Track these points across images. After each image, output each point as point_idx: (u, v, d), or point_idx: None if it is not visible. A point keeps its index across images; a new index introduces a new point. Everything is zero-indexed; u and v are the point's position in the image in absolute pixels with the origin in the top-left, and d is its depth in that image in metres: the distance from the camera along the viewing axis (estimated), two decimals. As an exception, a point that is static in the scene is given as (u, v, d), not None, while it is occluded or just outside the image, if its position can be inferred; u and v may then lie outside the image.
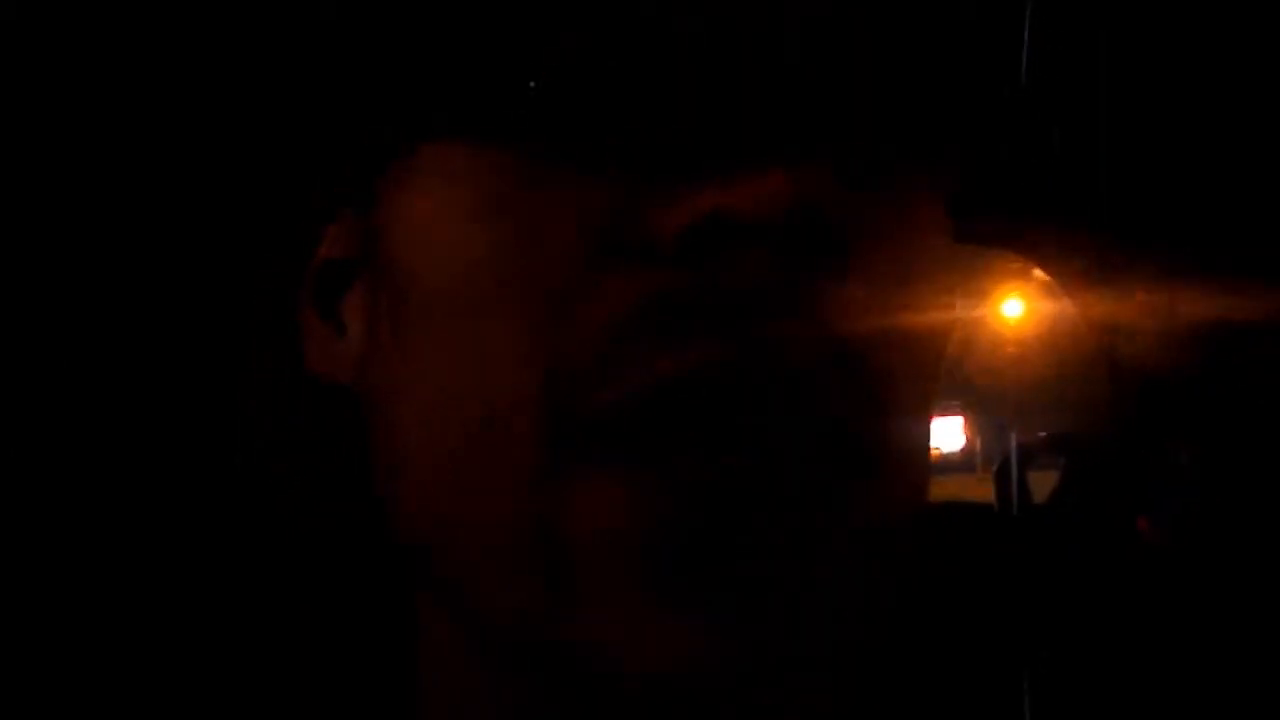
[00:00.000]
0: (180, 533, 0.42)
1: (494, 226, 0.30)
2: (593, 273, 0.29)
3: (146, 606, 0.42)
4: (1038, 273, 0.73)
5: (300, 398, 0.38)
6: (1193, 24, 0.58)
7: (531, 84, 0.30)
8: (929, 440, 0.36)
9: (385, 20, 0.34)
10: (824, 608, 0.31)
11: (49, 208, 0.43)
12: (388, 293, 0.33)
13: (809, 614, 0.30)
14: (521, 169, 0.30)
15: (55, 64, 0.42)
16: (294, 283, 0.38)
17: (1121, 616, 0.56)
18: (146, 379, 0.43)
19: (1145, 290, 0.62)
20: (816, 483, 0.30)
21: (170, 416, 0.43)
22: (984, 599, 0.53)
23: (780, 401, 0.29)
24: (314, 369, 0.37)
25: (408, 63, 0.34)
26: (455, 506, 0.31)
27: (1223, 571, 0.60)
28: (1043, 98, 0.61)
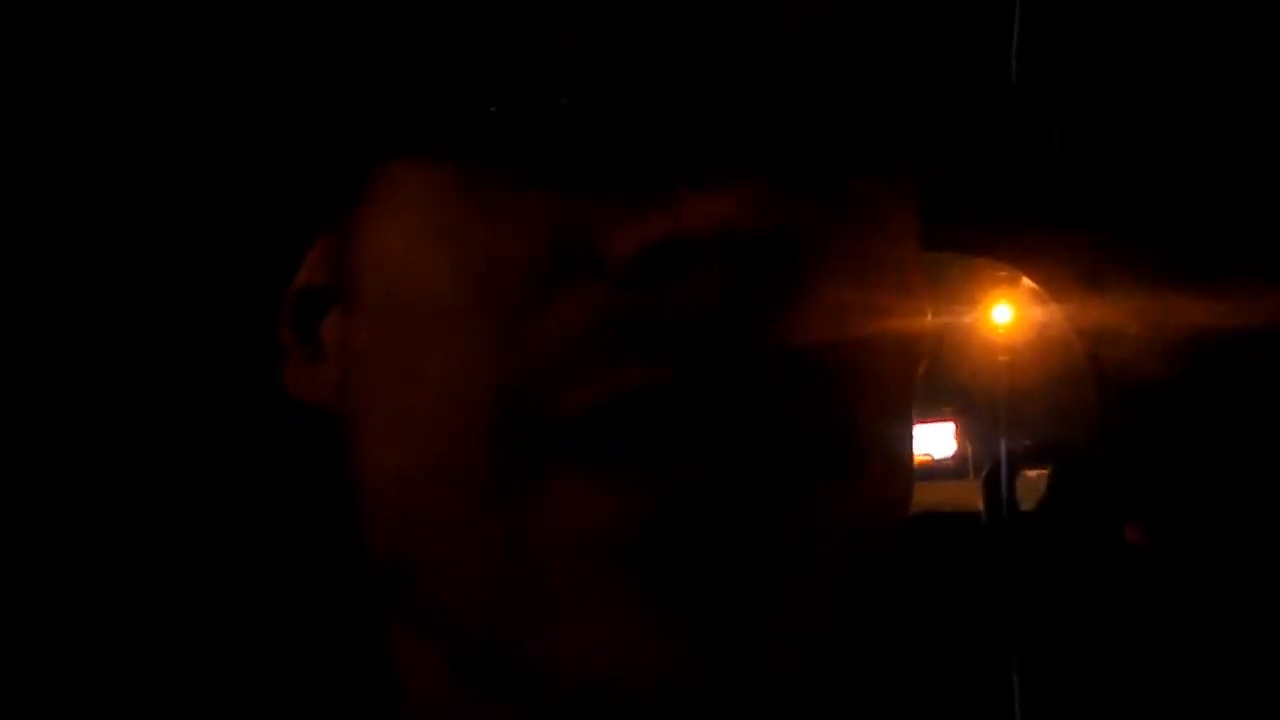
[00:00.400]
0: (160, 557, 0.43)
1: (452, 248, 0.31)
2: (546, 291, 0.30)
3: (128, 630, 0.42)
4: (1027, 280, 0.73)
5: (281, 422, 0.38)
6: (1184, 36, 0.58)
7: (490, 109, 0.31)
8: (910, 447, 0.36)
9: (349, 51, 0.35)
10: (797, 620, 0.31)
11: (25, 238, 0.43)
12: (357, 316, 0.34)
13: (781, 626, 0.30)
14: (478, 193, 0.31)
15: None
16: (273, 308, 0.38)
17: (1108, 620, 0.56)
18: (127, 404, 0.43)
19: (1131, 297, 0.63)
20: (785, 494, 0.30)
21: (151, 443, 0.43)
22: (971, 606, 0.53)
23: (740, 415, 0.30)
24: (293, 393, 0.38)
25: (371, 89, 0.34)
26: (421, 526, 0.32)
27: (1208, 576, 0.60)
28: (1031, 107, 0.61)
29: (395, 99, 0.34)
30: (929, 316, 0.37)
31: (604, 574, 0.29)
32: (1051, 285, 0.67)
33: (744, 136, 0.30)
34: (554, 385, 0.30)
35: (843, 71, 0.33)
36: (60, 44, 0.43)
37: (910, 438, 0.36)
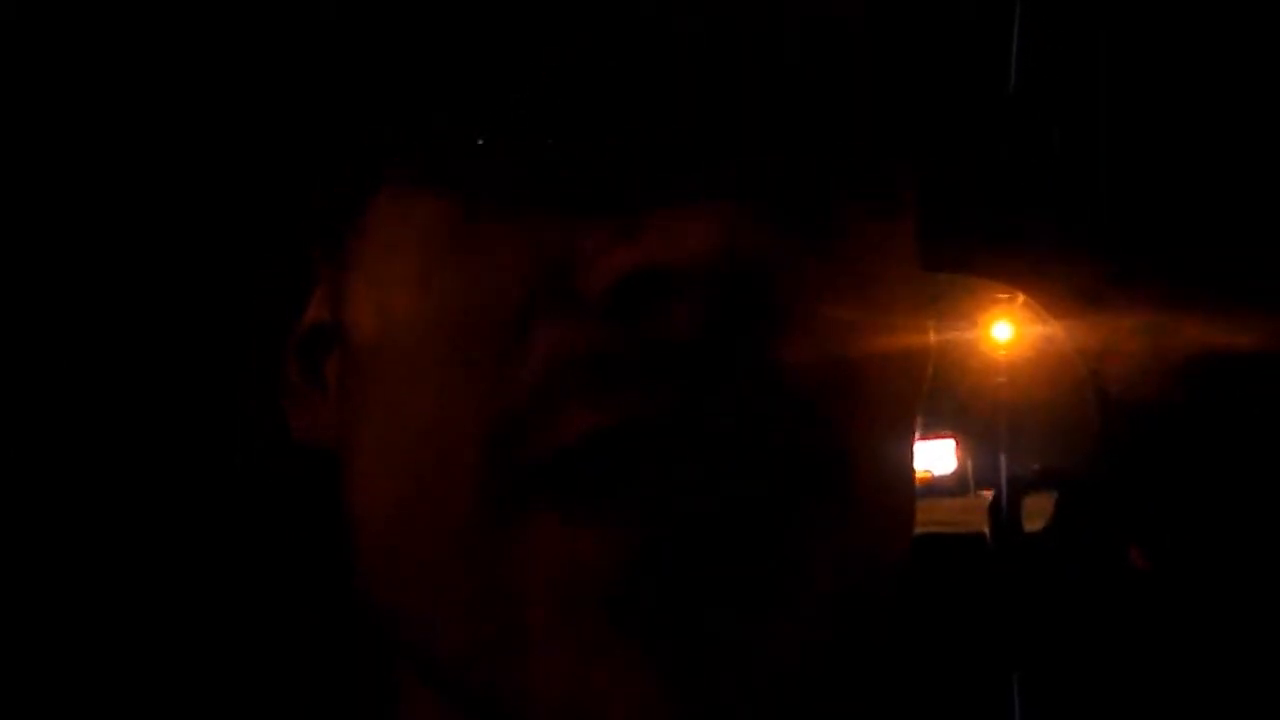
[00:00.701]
0: (164, 590, 0.42)
1: (435, 286, 0.31)
2: (528, 327, 0.30)
3: (133, 663, 0.42)
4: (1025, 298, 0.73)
5: (284, 461, 0.38)
6: (1185, 53, 0.58)
7: (472, 141, 0.31)
8: (911, 478, 0.35)
9: (337, 80, 0.36)
10: (781, 664, 0.30)
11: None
12: (351, 354, 0.34)
13: (763, 670, 0.30)
14: (461, 229, 0.31)
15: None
16: (278, 345, 0.38)
17: (1112, 642, 0.56)
18: (133, 436, 0.43)
19: (1131, 315, 0.63)
20: (774, 532, 0.30)
21: (155, 481, 0.43)
22: (977, 628, 0.53)
23: (724, 449, 0.29)
24: (297, 433, 0.38)
25: (357, 123, 0.35)
26: (407, 563, 0.32)
27: (1211, 597, 0.60)
28: (1029, 125, 0.61)
29: (379, 132, 0.34)
30: (930, 342, 0.36)
31: (583, 616, 0.29)
32: (1051, 304, 0.67)
33: (725, 165, 0.30)
34: (535, 423, 0.30)
35: (833, 98, 0.32)
36: (60, 77, 0.44)
37: (911, 468, 0.35)
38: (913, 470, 0.35)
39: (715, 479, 0.29)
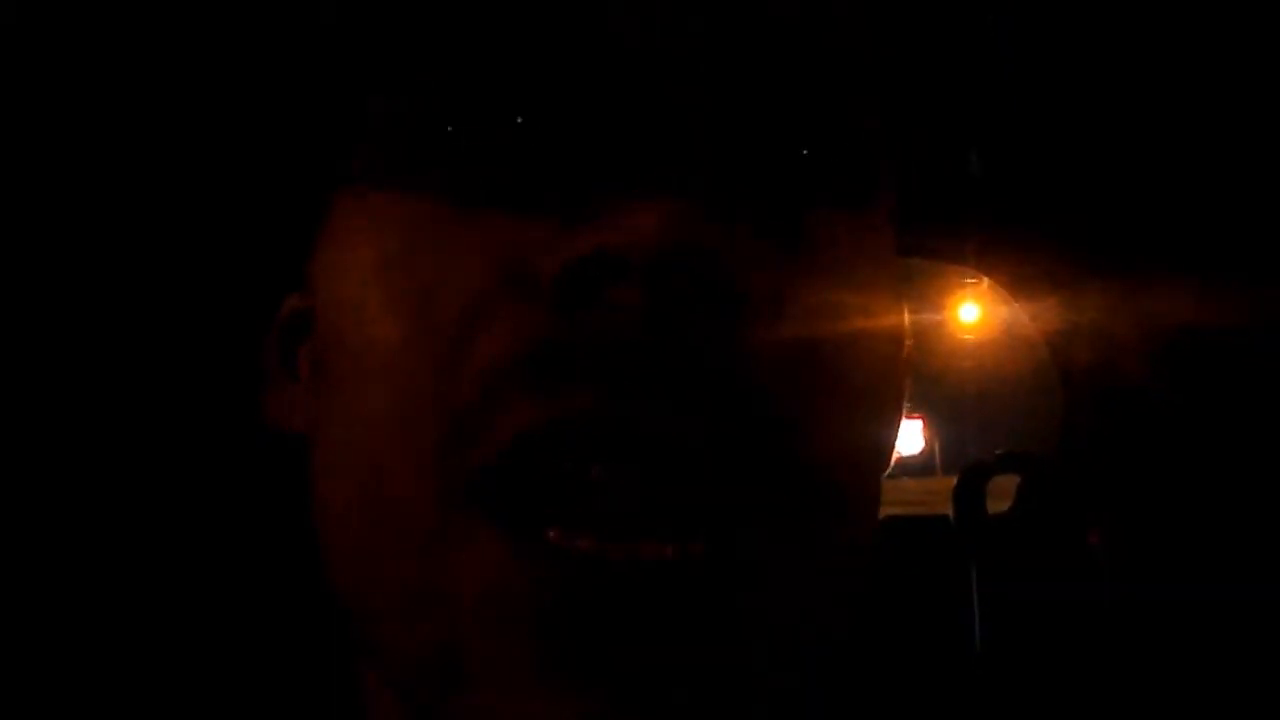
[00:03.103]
0: (131, 582, 0.42)
1: (394, 279, 0.31)
2: (481, 316, 0.29)
3: (103, 654, 0.42)
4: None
5: (256, 448, 0.38)
6: (1146, 42, 0.59)
7: (426, 139, 0.31)
8: (880, 470, 0.34)
9: (293, 81, 0.35)
10: (733, 691, 0.29)
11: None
12: (321, 344, 0.34)
13: (716, 698, 0.28)
14: (419, 222, 0.31)
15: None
16: (255, 333, 0.38)
17: (1073, 627, 0.57)
18: (103, 424, 0.43)
19: (1093, 298, 0.63)
20: (723, 539, 0.29)
21: (128, 468, 0.43)
22: (941, 610, 0.53)
23: (670, 450, 0.28)
24: (271, 419, 0.37)
25: (322, 114, 0.34)
26: (363, 558, 0.31)
27: (1172, 578, 0.61)
28: (992, 111, 0.62)
29: (335, 133, 0.34)
30: (906, 334, 0.35)
31: (528, 630, 0.28)
32: (1013, 286, 0.68)
33: (677, 158, 0.29)
34: (482, 421, 0.29)
35: (794, 92, 0.32)
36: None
37: (882, 462, 0.33)
38: (883, 465, 0.34)
39: (659, 482, 0.28)
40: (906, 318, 0.36)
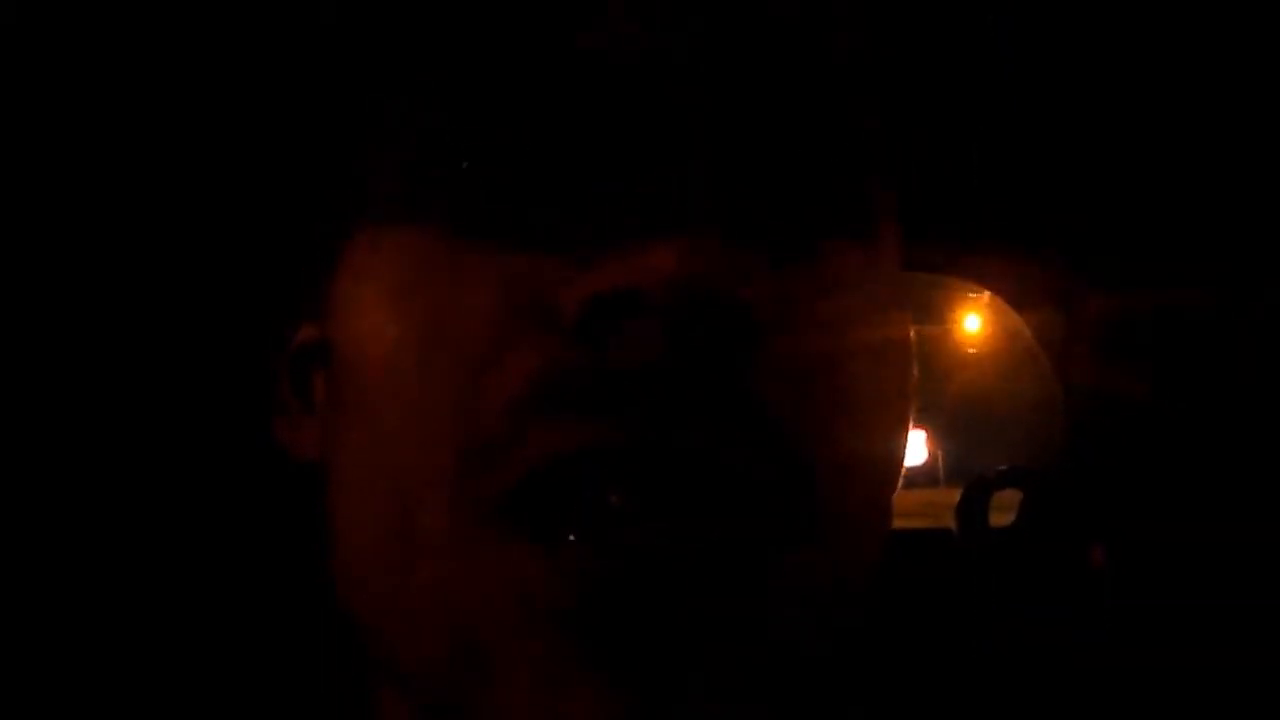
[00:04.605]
0: (148, 602, 0.42)
1: (411, 309, 0.31)
2: (501, 348, 0.30)
3: (119, 670, 0.42)
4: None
5: (271, 476, 0.38)
6: (1146, 54, 0.59)
7: (463, 164, 0.31)
8: (891, 491, 0.34)
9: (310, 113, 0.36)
10: (750, 689, 0.30)
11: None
12: (338, 374, 0.35)
13: (734, 696, 0.29)
14: (437, 254, 0.31)
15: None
16: (269, 363, 0.38)
17: (1075, 639, 0.57)
18: (119, 449, 0.43)
19: (1097, 310, 0.64)
20: (740, 561, 0.30)
21: (144, 492, 0.43)
22: (946, 624, 0.53)
23: (686, 475, 0.29)
24: (285, 448, 0.38)
25: (341, 153, 0.35)
26: (382, 581, 0.32)
27: (1172, 596, 0.61)
28: (996, 125, 0.62)
29: (353, 165, 0.35)
30: (912, 355, 0.36)
31: (543, 641, 0.29)
32: (1015, 299, 0.68)
33: (694, 193, 0.30)
34: (504, 448, 0.30)
35: (806, 126, 0.32)
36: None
37: (892, 484, 0.34)
38: (895, 479, 0.34)
39: (678, 507, 0.29)
40: (912, 332, 0.36)
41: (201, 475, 0.42)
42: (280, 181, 0.38)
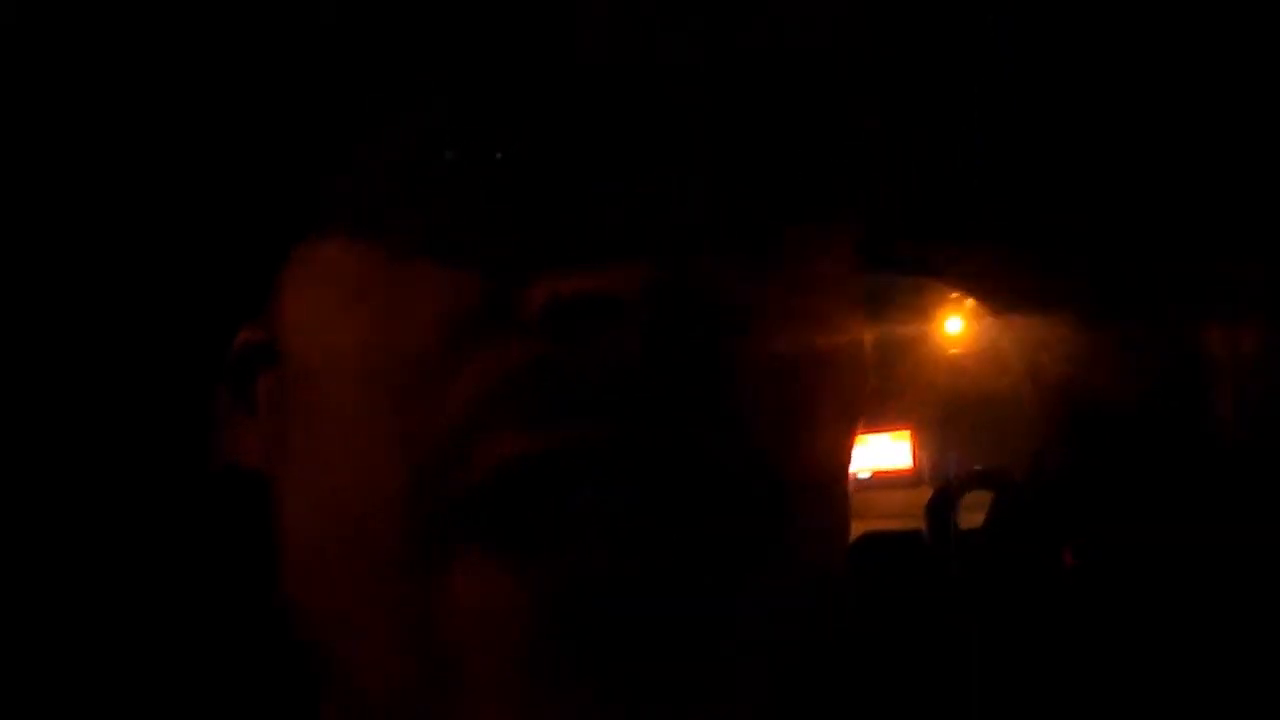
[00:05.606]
0: (85, 615, 0.40)
1: (359, 313, 0.31)
2: (457, 350, 0.29)
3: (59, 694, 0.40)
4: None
5: (210, 486, 0.36)
6: (1115, 58, 0.60)
7: (423, 163, 0.30)
8: (847, 493, 0.35)
9: (265, 112, 0.35)
10: (721, 703, 0.29)
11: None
12: (285, 378, 0.33)
13: (705, 711, 0.29)
14: (394, 252, 0.31)
15: None
16: (212, 364, 0.37)
17: (1048, 638, 0.57)
18: (53, 457, 0.41)
19: (1068, 314, 0.64)
20: (711, 565, 0.29)
21: (78, 503, 0.41)
22: (915, 626, 0.54)
23: (661, 479, 0.29)
24: (225, 455, 0.36)
25: (290, 149, 0.34)
26: (333, 595, 0.31)
27: (1144, 597, 0.61)
28: (972, 126, 0.63)
29: (303, 162, 0.33)
30: (867, 360, 0.36)
31: (521, 649, 0.28)
32: (990, 301, 0.69)
33: (672, 196, 0.30)
34: (465, 450, 0.29)
35: (781, 132, 0.32)
36: None
37: (846, 495, 0.34)
38: (848, 501, 0.35)
39: (649, 510, 0.28)
40: (865, 333, 0.37)
41: (133, 481, 0.40)
42: (228, 173, 0.37)
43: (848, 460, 0.34)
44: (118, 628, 0.39)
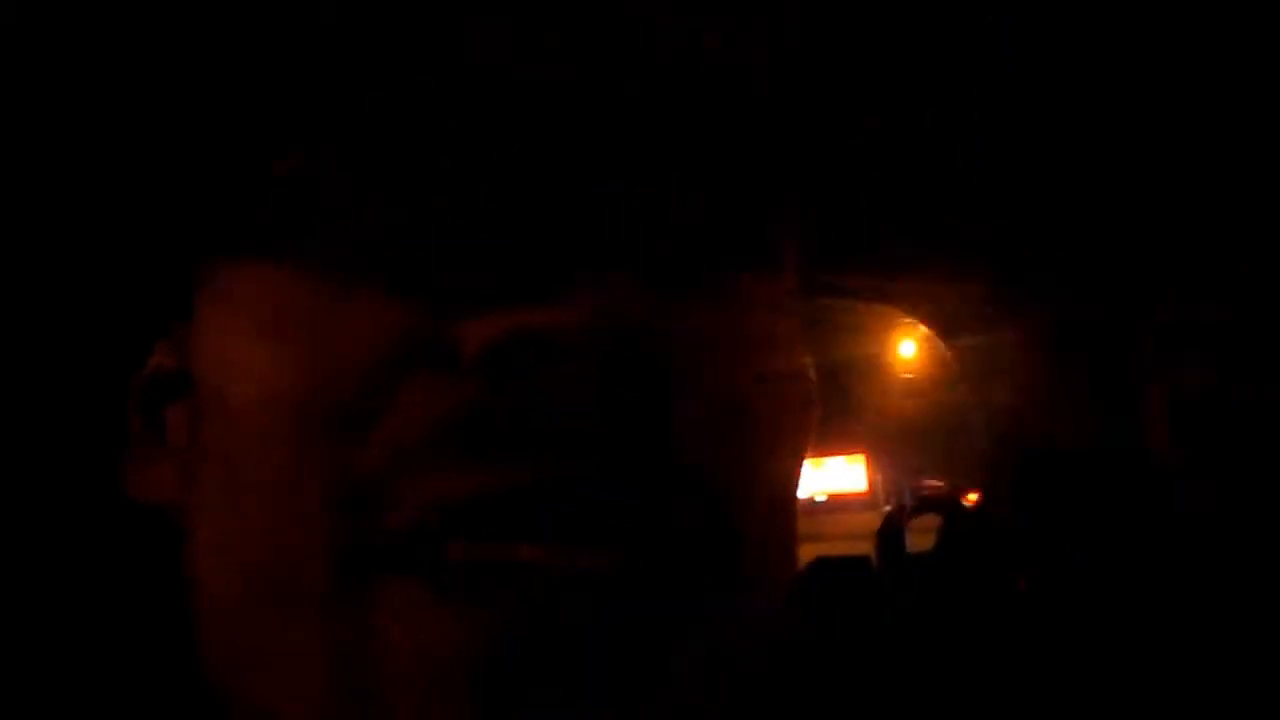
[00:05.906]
0: None
1: (281, 344, 0.29)
2: (389, 387, 0.28)
3: None
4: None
5: (119, 523, 0.34)
6: (1078, 82, 0.60)
7: (353, 195, 0.30)
8: (793, 544, 0.34)
9: (179, 139, 0.33)
10: None
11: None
12: (198, 410, 0.32)
13: None
14: (318, 286, 0.30)
15: None
16: (118, 393, 0.35)
17: (1004, 661, 0.58)
18: None
19: (1016, 340, 0.65)
20: (649, 607, 0.28)
21: None
22: (862, 648, 0.54)
23: (598, 522, 0.28)
24: (134, 491, 0.35)
25: (196, 180, 0.33)
26: (254, 637, 0.29)
27: (1096, 623, 0.62)
28: (918, 153, 0.63)
29: (218, 191, 0.32)
30: (814, 390, 0.36)
31: (448, 694, 0.27)
32: (937, 326, 0.70)
33: (609, 234, 0.29)
34: (395, 488, 0.28)
35: (715, 165, 0.32)
36: None
37: (795, 523, 0.34)
38: (794, 541, 0.34)
39: (587, 550, 0.28)
40: (815, 358, 0.37)
41: (33, 515, 0.38)
42: (141, 186, 0.35)
43: (795, 488, 0.34)
44: (14, 674, 0.36)
